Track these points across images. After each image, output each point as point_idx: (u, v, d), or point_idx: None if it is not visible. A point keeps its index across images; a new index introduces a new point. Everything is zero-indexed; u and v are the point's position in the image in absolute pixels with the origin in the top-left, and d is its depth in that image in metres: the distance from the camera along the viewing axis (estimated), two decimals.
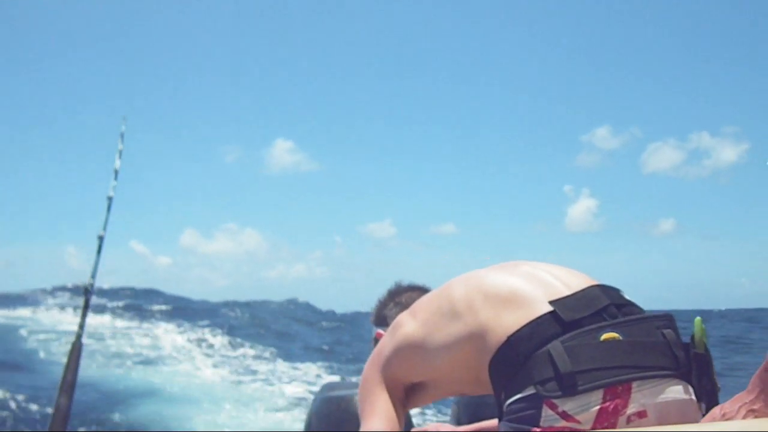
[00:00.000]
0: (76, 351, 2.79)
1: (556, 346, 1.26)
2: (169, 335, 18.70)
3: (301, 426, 2.60)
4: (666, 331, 1.29)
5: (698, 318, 1.29)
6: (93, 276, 2.97)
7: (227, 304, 29.27)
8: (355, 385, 2.74)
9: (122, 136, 3.63)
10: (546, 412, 1.23)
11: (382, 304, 1.96)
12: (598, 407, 1.22)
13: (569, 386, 1.22)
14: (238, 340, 18.10)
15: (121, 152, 3.53)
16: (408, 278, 1.96)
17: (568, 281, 1.40)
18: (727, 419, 1.16)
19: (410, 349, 1.49)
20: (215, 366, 14.20)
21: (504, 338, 1.31)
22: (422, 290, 1.89)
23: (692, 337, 1.30)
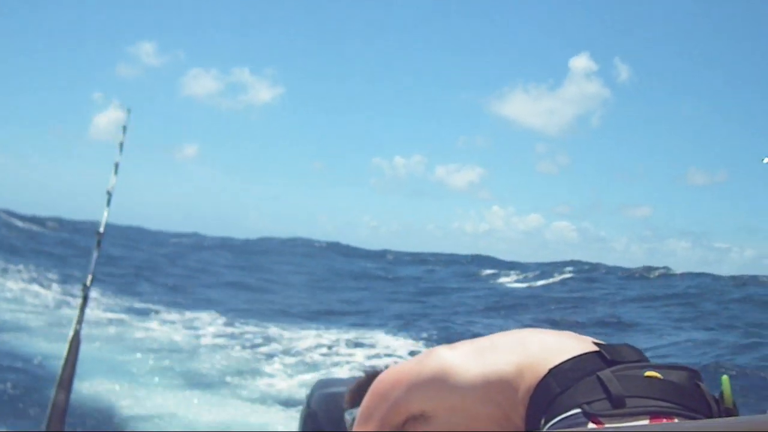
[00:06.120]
0: (74, 346, 2.79)
1: (606, 373, 1.30)
2: None
3: (295, 425, 2.56)
4: (700, 383, 1.32)
5: (726, 376, 1.32)
6: (91, 272, 2.96)
7: None
8: (351, 382, 2.70)
9: (125, 128, 3.61)
10: (590, 429, 1.23)
11: (362, 386, 1.75)
12: None
13: (619, 407, 1.24)
14: None
15: (122, 145, 3.51)
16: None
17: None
18: None
19: (442, 375, 1.40)
20: None
21: (546, 370, 1.33)
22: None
23: (721, 393, 1.31)
